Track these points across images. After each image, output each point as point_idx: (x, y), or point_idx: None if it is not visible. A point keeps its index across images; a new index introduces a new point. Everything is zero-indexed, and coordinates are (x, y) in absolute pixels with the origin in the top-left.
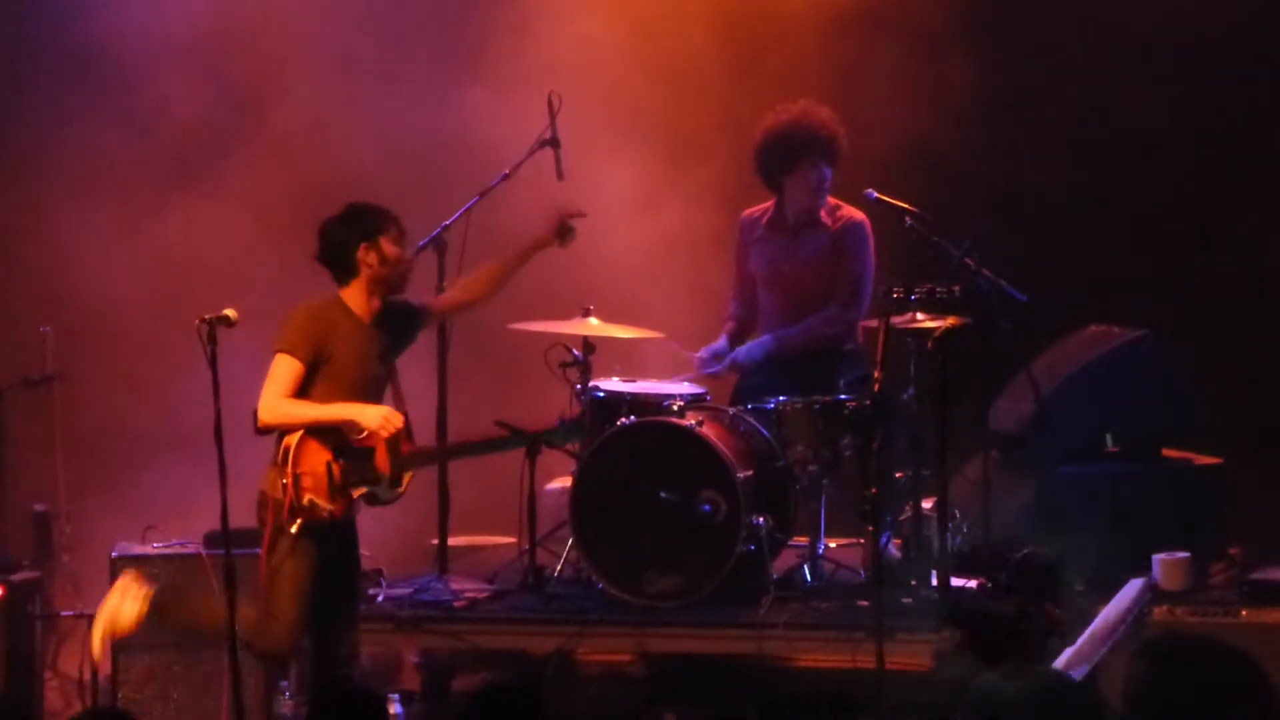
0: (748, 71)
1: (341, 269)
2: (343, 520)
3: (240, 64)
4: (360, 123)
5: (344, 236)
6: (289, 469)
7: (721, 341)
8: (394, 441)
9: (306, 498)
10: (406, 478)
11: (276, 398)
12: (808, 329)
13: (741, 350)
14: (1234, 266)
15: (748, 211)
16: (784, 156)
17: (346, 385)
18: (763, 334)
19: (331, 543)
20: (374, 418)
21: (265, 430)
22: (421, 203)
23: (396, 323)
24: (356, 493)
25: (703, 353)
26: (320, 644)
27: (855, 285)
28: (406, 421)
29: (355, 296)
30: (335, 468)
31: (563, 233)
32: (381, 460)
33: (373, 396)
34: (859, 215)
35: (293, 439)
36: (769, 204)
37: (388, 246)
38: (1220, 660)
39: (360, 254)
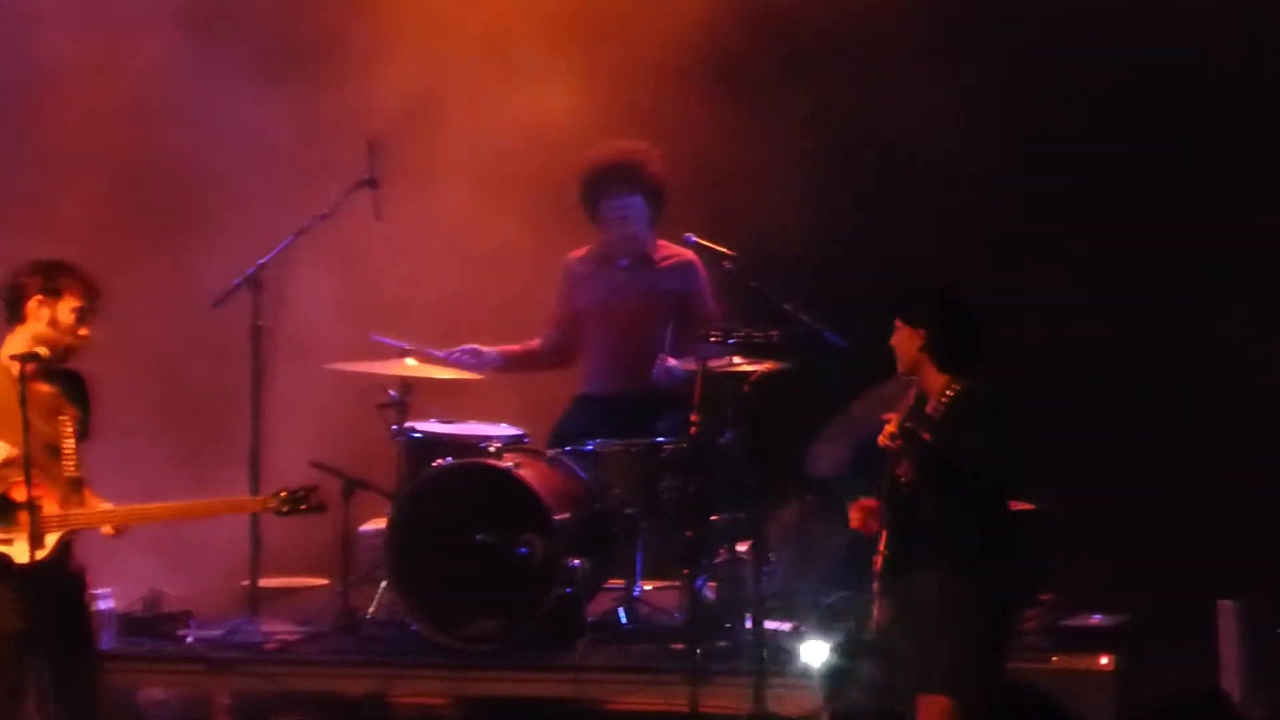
0: (567, 111)
1: (11, 310)
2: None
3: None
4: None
5: (26, 280)
6: None
7: (491, 350)
8: (32, 503)
9: None
10: (52, 540)
11: None
12: None
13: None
14: (1046, 317)
15: (573, 253)
16: (595, 187)
17: None
18: (588, 371)
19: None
20: None
21: None
22: None
23: (67, 385)
24: None
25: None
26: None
27: (716, 319)
28: (73, 482)
29: (11, 343)
30: None
31: None
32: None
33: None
34: (687, 253)
35: None
36: (593, 246)
37: (64, 314)
38: (1035, 706)
39: (32, 304)
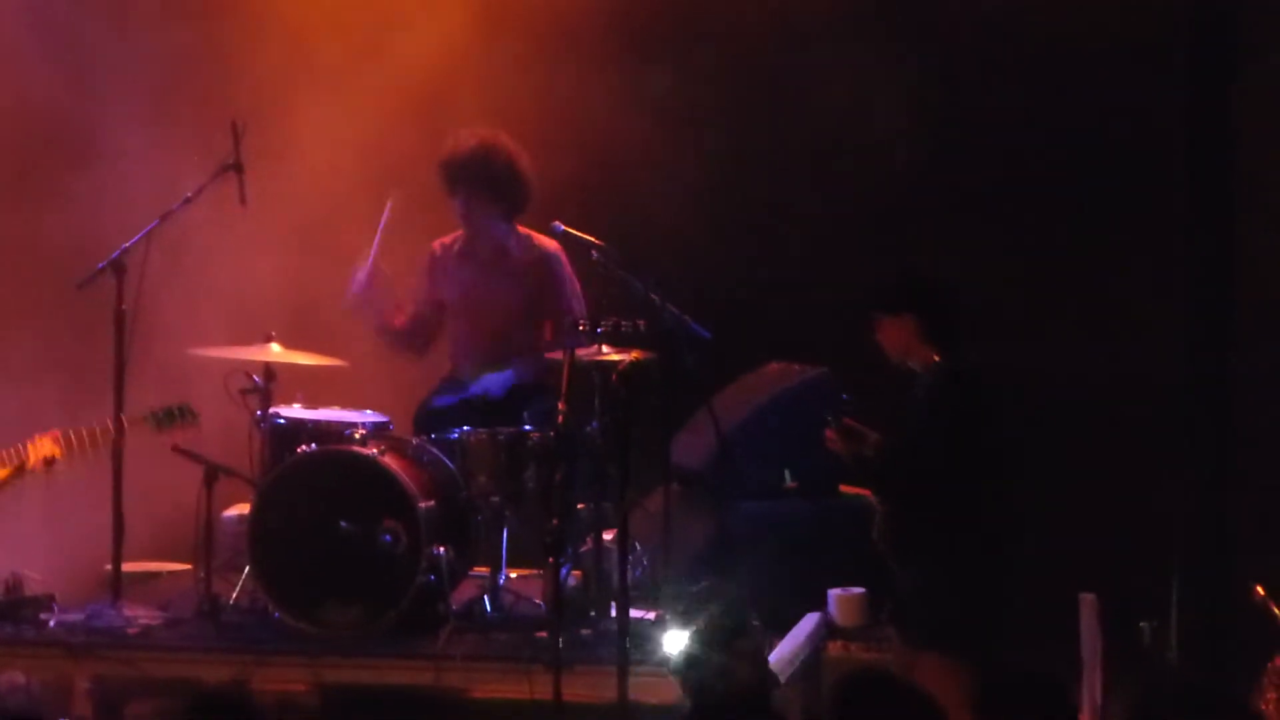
0: (441, 99)
1: None
2: None
3: None
4: None
5: None
6: None
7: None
8: None
9: None
10: None
11: None
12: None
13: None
14: None
15: (439, 240)
16: (444, 183)
17: None
18: (453, 362)
19: None
20: None
21: None
22: None
23: None
24: None
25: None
26: None
27: (573, 315)
28: None
29: None
30: None
31: None
32: None
33: None
34: (551, 246)
35: None
36: (459, 233)
37: None
38: (905, 696)
39: None
